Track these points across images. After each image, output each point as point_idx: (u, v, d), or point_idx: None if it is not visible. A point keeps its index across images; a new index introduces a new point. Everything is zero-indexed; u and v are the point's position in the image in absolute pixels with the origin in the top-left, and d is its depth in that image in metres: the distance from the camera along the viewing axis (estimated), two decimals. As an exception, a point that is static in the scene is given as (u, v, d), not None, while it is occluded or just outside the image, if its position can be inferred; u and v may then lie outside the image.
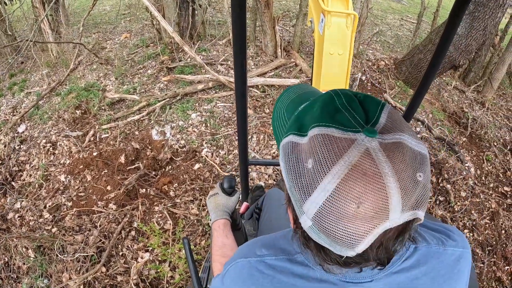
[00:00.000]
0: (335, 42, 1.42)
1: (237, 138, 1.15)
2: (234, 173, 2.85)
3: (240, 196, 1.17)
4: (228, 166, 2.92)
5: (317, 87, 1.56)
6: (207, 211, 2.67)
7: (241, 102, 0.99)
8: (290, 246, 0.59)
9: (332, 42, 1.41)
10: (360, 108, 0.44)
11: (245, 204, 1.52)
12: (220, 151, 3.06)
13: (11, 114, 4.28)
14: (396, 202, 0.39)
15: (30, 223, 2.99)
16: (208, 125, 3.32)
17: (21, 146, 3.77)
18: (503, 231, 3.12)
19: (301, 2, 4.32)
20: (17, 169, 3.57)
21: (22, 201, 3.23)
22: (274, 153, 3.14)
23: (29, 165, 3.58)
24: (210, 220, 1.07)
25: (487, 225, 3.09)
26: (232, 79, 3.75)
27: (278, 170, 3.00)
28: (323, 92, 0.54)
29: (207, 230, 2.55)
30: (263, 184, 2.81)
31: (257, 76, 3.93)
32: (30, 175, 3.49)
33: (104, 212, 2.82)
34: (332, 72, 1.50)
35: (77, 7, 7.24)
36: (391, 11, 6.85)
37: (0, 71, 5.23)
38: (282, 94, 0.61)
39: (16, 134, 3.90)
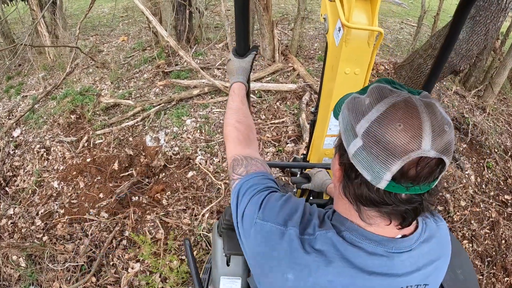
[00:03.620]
0: (352, 60, 1.21)
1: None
2: (228, 181, 2.80)
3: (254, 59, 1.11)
4: (222, 175, 2.87)
5: (326, 103, 1.43)
6: (200, 221, 2.63)
7: None
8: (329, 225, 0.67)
9: (349, 60, 1.21)
10: (405, 87, 0.59)
11: None
12: (214, 158, 3.02)
13: (7, 117, 4.25)
14: (427, 135, 0.50)
15: (22, 230, 2.96)
16: (203, 131, 3.28)
17: (16, 151, 3.74)
18: (503, 241, 3.06)
19: (299, 6, 4.27)
20: (11, 174, 3.54)
21: (15, 207, 3.20)
22: (269, 159, 3.09)
23: (23, 171, 3.55)
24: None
25: (486, 235, 3.03)
26: (228, 84, 3.70)
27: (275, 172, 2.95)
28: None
29: (199, 240, 2.51)
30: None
31: (254, 80, 3.88)
32: (24, 181, 3.46)
33: (95, 220, 2.78)
34: (346, 92, 1.30)
35: (76, 9, 7.23)
36: (391, 14, 6.76)
37: (-3, 74, 5.21)
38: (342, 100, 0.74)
39: (11, 139, 3.87)
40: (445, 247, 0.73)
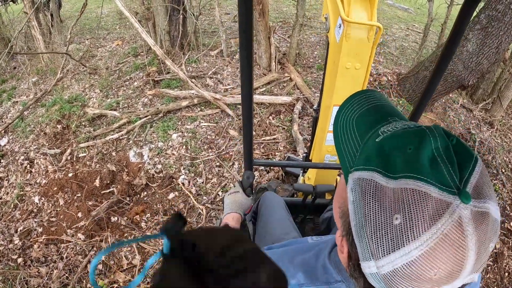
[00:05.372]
0: (353, 55, 1.27)
1: (242, 142, 1.21)
2: (210, 206, 2.65)
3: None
4: (204, 197, 2.71)
5: (328, 99, 1.47)
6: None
7: (247, 101, 0.99)
8: (325, 272, 0.58)
9: (349, 55, 1.27)
10: (455, 159, 0.39)
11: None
12: (197, 178, 2.86)
13: (-4, 124, 4.17)
14: (466, 273, 0.38)
15: (0, 248, 2.87)
16: (189, 147, 3.12)
17: (1, 161, 3.65)
18: (506, 274, 2.83)
19: (297, 12, 4.05)
20: (-5, 185, 3.46)
21: (-4, 221, 3.11)
22: (259, 182, 2.92)
23: (7, 182, 3.46)
24: (222, 215, 1.12)
25: (489, 267, 2.81)
26: (218, 96, 3.53)
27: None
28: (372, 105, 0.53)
29: (175, 270, 2.36)
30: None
31: (247, 92, 3.69)
32: (7, 193, 3.37)
33: (72, 242, 2.67)
34: (347, 86, 1.37)
35: (77, 9, 7.12)
36: (396, 20, 6.43)
37: (-9, 77, 5.14)
38: (352, 98, 0.55)
39: (-3, 148, 3.79)
40: None
